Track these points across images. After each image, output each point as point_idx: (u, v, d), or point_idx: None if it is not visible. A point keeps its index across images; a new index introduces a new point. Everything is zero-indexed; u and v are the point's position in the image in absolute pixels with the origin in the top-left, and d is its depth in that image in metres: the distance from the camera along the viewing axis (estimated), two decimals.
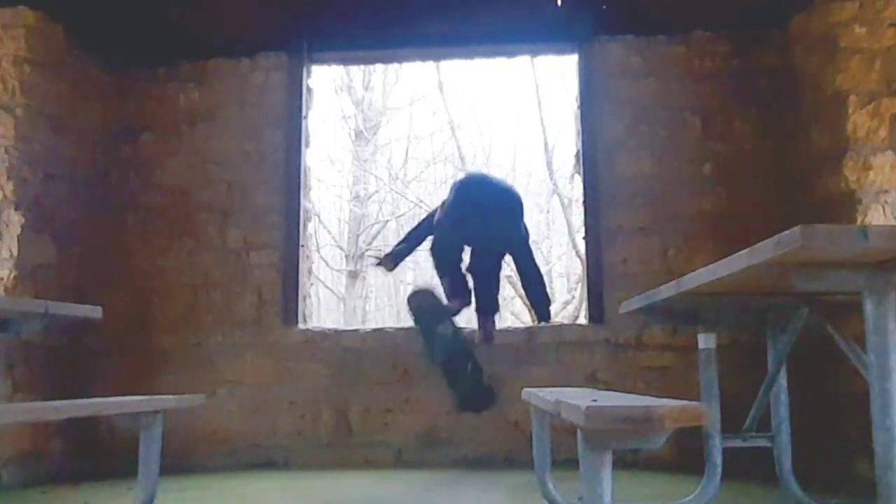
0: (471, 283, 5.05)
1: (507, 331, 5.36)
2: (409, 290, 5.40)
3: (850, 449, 4.37)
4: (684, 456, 4.51)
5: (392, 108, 15.43)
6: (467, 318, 5.36)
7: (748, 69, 5.23)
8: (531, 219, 15.88)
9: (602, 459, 1.86)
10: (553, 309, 12.35)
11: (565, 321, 9.76)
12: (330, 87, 14.29)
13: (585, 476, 1.88)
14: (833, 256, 1.86)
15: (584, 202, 5.39)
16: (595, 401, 1.98)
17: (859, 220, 4.35)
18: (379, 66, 13.95)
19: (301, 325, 5.36)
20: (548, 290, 5.41)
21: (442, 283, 5.09)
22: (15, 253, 4.63)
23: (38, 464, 4.71)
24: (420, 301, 4.93)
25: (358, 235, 14.82)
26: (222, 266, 5.40)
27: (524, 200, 5.14)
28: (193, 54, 5.59)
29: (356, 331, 5.45)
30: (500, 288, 5.31)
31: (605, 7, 5.40)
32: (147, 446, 3.11)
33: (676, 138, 5.23)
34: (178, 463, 4.80)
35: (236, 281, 5.38)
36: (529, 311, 11.64)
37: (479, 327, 5.11)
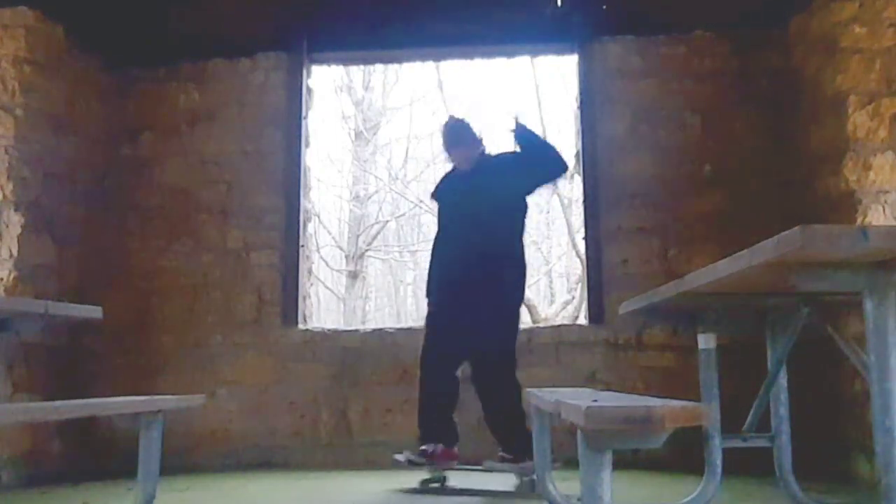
0: None
1: None
2: None
3: (850, 449, 4.37)
4: (684, 456, 4.51)
5: (392, 108, 15.44)
6: None
7: (748, 69, 5.24)
8: (531, 219, 15.96)
9: (602, 460, 1.86)
10: (553, 309, 12.39)
11: (565, 321, 9.76)
12: (330, 87, 14.28)
13: (585, 476, 1.88)
14: (833, 256, 1.86)
15: (584, 202, 5.40)
16: (595, 401, 1.97)
17: (859, 220, 4.35)
18: (379, 66, 13.94)
19: (301, 326, 5.37)
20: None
21: None
22: (15, 253, 4.64)
23: (38, 464, 4.71)
24: None
25: (358, 236, 14.82)
26: (222, 266, 5.40)
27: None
28: (193, 54, 5.59)
29: (356, 331, 5.47)
30: None
31: (604, 7, 5.41)
32: (147, 446, 3.10)
33: (676, 138, 5.24)
34: (178, 463, 4.80)
35: (236, 281, 5.38)
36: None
37: None
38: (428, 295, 4.69)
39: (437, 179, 4.80)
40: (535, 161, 4.31)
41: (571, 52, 5.62)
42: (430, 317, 4.52)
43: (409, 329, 5.51)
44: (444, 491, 4.17)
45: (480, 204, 4.27)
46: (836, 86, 4.57)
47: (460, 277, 4.27)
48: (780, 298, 2.87)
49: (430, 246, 4.85)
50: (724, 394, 3.33)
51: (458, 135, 4.49)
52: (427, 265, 4.84)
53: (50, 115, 4.95)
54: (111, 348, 5.30)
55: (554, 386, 4.17)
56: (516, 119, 4.39)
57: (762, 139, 5.17)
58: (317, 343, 5.29)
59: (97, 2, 5.28)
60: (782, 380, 3.37)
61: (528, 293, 12.56)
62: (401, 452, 4.30)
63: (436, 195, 4.75)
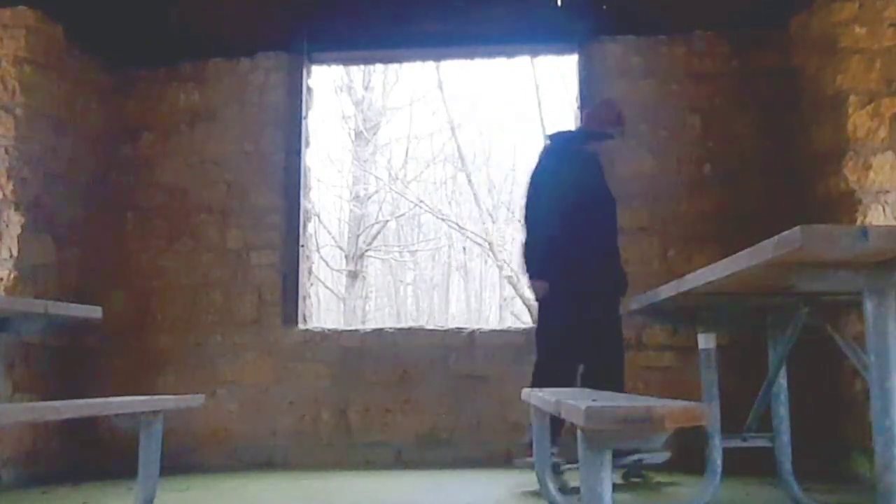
0: None
1: (507, 331, 5.36)
2: None
3: (850, 449, 4.38)
4: (684, 456, 4.52)
5: (392, 108, 15.43)
6: None
7: (748, 69, 5.24)
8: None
9: (602, 459, 1.85)
10: None
11: None
12: (330, 87, 14.29)
13: (585, 476, 1.88)
14: (833, 256, 1.86)
15: None
16: (595, 401, 1.98)
17: (859, 220, 4.36)
18: (379, 66, 13.94)
19: (301, 326, 5.37)
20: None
21: None
22: (15, 253, 4.64)
23: (38, 463, 4.72)
24: None
25: (358, 235, 14.83)
26: (222, 266, 5.40)
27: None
28: (193, 54, 5.60)
29: (356, 331, 5.46)
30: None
31: (605, 7, 5.41)
32: (147, 446, 3.10)
33: (676, 138, 5.24)
34: (178, 463, 4.80)
35: (236, 281, 5.38)
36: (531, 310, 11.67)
37: None
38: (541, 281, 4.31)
39: (551, 148, 4.52)
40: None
41: (571, 51, 5.62)
42: (553, 315, 4.28)
43: (408, 329, 5.52)
44: (445, 491, 4.17)
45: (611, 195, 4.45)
46: (836, 86, 4.57)
47: (591, 273, 4.19)
48: (781, 298, 2.88)
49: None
50: (724, 394, 3.34)
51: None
52: (529, 240, 4.38)
53: (50, 115, 4.96)
54: (111, 348, 5.30)
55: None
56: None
57: (762, 139, 5.17)
58: (317, 343, 5.30)
59: (97, 2, 5.28)
60: (782, 380, 3.39)
61: (528, 293, 12.64)
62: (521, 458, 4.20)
63: (563, 166, 4.38)
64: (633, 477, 4.26)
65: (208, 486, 4.43)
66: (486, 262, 16.56)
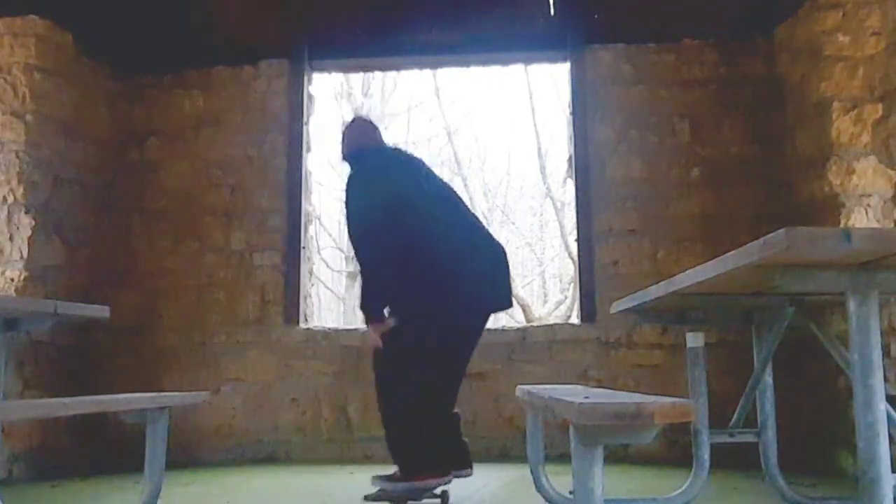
0: None
1: (502, 330, 5.47)
2: None
3: (834, 444, 4.48)
4: (673, 451, 4.64)
5: (390, 114, 15.50)
6: None
7: (735, 76, 5.35)
8: (526, 222, 16.03)
9: (594, 454, 1.90)
10: (546, 309, 12.48)
11: (558, 321, 9.87)
12: (330, 94, 14.37)
13: (577, 470, 1.92)
14: (817, 258, 1.88)
15: (577, 205, 5.50)
16: (587, 398, 2.03)
17: (843, 222, 4.47)
18: (378, 74, 13.99)
19: (302, 325, 5.47)
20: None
21: None
22: (25, 254, 4.75)
23: (48, 458, 4.81)
24: None
25: None
26: (226, 267, 5.51)
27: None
28: (198, 62, 5.70)
29: (355, 330, 5.53)
30: None
31: (596, 17, 5.51)
32: (153, 442, 3.14)
33: (666, 143, 5.35)
34: (183, 458, 4.91)
35: (240, 282, 5.48)
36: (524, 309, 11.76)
37: None
38: None
39: None
40: None
41: (564, 59, 5.71)
42: None
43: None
44: None
45: None
46: (820, 92, 4.68)
47: None
48: (766, 298, 2.91)
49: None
50: (711, 390, 3.40)
51: None
52: None
53: (59, 121, 5.06)
54: (119, 347, 5.39)
55: (547, 383, 4.28)
56: None
57: (749, 144, 5.27)
58: (317, 341, 5.40)
59: (106, 11, 5.37)
60: (768, 377, 3.43)
61: (522, 293, 12.71)
62: None
63: None
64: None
65: (213, 479, 4.53)
66: None
